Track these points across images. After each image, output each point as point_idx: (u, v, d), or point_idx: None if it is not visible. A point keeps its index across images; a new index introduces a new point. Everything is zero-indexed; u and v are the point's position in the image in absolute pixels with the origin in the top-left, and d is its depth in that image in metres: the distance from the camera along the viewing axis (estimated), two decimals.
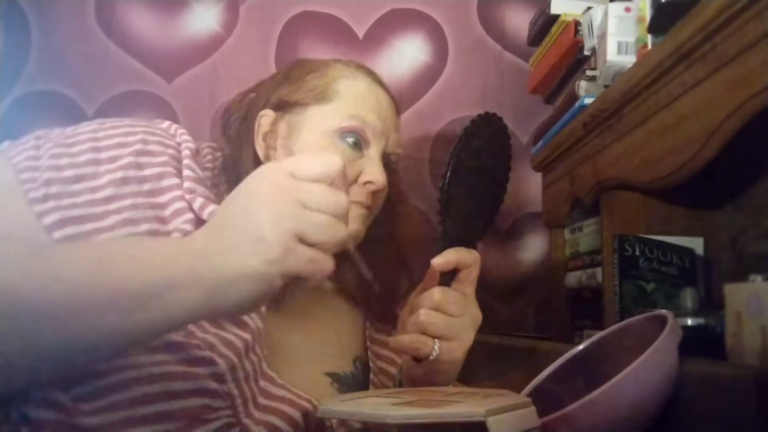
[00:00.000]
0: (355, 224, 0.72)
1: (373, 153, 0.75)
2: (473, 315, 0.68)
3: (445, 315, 0.65)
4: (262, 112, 0.76)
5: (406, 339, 0.66)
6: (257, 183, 0.50)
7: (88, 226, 0.59)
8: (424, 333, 0.65)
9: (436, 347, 0.65)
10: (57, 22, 1.26)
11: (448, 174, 0.67)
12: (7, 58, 1.25)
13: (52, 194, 0.59)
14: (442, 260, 0.66)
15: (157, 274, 0.48)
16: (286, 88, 0.77)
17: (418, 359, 0.66)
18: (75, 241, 0.57)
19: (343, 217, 0.50)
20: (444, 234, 0.67)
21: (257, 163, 0.74)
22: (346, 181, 0.53)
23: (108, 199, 0.61)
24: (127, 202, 0.61)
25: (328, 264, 0.49)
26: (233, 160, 0.76)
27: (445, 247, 0.67)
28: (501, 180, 0.71)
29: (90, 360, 0.53)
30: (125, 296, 0.47)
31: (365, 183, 0.73)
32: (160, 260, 0.48)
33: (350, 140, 0.73)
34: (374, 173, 0.73)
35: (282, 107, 0.76)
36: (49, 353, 0.48)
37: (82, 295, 0.47)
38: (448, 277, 0.67)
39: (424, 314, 0.65)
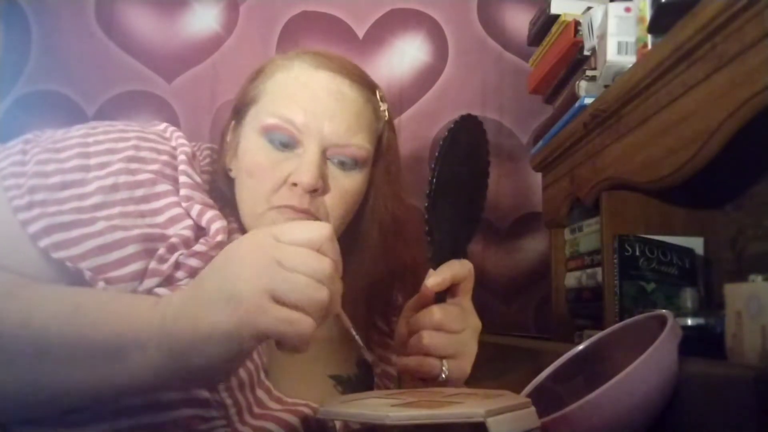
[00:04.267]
0: None
1: (307, 150, 0.67)
2: (474, 326, 0.66)
3: (447, 334, 0.63)
4: (231, 124, 0.75)
5: (413, 362, 0.63)
6: (238, 244, 0.50)
7: (75, 233, 0.57)
8: (428, 355, 0.63)
9: (444, 368, 0.62)
10: (57, 22, 1.26)
11: (433, 191, 0.63)
12: (7, 58, 1.25)
13: (38, 201, 0.58)
14: (437, 280, 0.63)
15: (125, 330, 0.49)
16: (240, 93, 0.75)
17: (426, 379, 0.64)
18: (60, 249, 0.57)
19: (325, 281, 0.48)
20: (434, 252, 0.64)
21: (225, 176, 0.73)
22: (336, 249, 0.51)
23: (96, 206, 0.59)
24: (117, 209, 0.60)
25: (306, 326, 0.46)
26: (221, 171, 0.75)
27: (437, 265, 0.64)
28: (482, 182, 0.69)
29: (55, 408, 0.53)
30: (92, 348, 0.48)
31: (292, 185, 0.66)
32: (131, 317, 0.49)
33: (278, 140, 0.67)
34: (301, 172, 0.66)
35: (237, 115, 0.74)
36: (12, 396, 0.49)
37: (51, 340, 0.48)
38: (443, 292, 0.65)
39: (427, 337, 0.62)
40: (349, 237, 0.74)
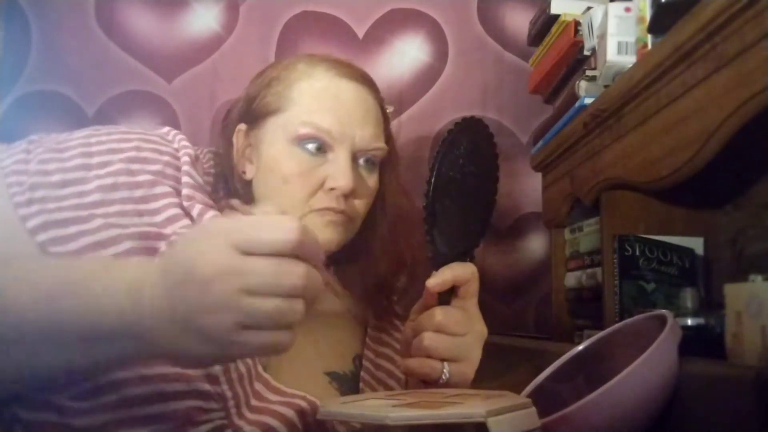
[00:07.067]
0: (328, 233, 0.70)
1: (339, 155, 0.71)
2: (478, 331, 0.66)
3: (449, 336, 0.63)
4: (238, 127, 0.76)
5: (414, 363, 0.64)
6: (198, 260, 0.44)
7: (72, 229, 0.59)
8: (430, 357, 0.63)
9: (445, 371, 0.63)
10: (57, 22, 1.26)
11: (431, 192, 0.64)
12: (7, 58, 1.25)
13: (37, 198, 0.60)
14: (437, 281, 0.64)
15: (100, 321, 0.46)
16: (253, 97, 0.75)
17: (427, 381, 0.65)
18: (56, 245, 0.58)
19: (299, 291, 0.44)
20: (435, 252, 0.65)
21: (238, 178, 0.75)
22: (309, 240, 0.45)
23: (95, 204, 0.61)
24: (115, 208, 0.62)
25: (284, 340, 0.44)
26: (224, 174, 0.76)
27: (439, 266, 0.65)
28: (490, 185, 0.69)
29: (47, 381, 0.53)
30: (68, 335, 0.47)
31: (330, 189, 0.70)
32: (110, 306, 0.46)
33: (310, 147, 0.70)
34: (338, 178, 0.69)
35: (250, 120, 0.75)
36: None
37: (28, 327, 0.48)
38: (448, 294, 0.65)
39: (428, 338, 0.63)
40: (360, 231, 0.76)
